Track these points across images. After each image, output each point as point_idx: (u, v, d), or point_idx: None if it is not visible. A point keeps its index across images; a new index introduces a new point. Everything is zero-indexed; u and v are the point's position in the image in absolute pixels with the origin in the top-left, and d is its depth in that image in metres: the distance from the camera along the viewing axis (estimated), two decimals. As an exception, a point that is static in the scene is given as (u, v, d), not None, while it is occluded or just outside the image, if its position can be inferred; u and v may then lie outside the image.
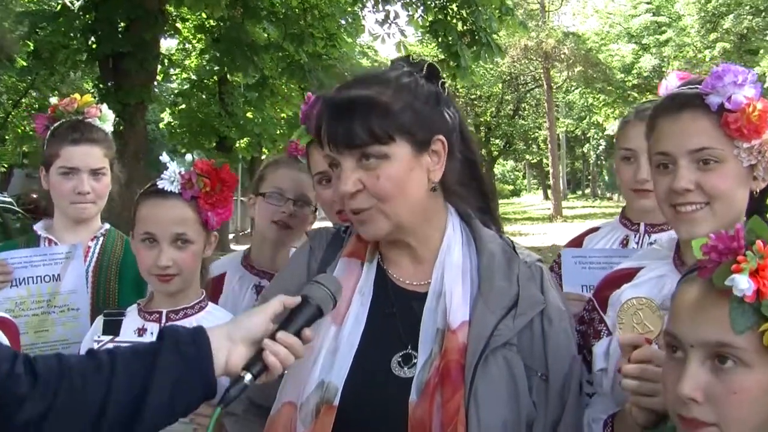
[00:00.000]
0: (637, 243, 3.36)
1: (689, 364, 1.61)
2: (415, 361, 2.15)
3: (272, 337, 2.00)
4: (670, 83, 2.72)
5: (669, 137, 2.26)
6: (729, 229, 1.65)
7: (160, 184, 2.85)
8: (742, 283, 1.56)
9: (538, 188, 73.54)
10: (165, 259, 2.80)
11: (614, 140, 3.60)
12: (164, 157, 2.92)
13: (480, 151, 2.50)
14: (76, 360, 1.85)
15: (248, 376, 1.95)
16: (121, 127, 14.61)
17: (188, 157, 2.93)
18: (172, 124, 25.08)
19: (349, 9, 17.66)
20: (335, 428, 2.06)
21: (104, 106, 3.64)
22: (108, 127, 3.62)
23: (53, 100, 3.67)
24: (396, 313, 2.25)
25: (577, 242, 3.61)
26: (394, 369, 2.17)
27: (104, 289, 3.49)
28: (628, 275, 2.46)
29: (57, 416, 1.75)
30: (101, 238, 3.59)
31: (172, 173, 2.84)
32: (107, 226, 3.64)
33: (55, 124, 3.54)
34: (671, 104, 2.29)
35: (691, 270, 1.76)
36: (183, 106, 24.08)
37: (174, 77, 26.78)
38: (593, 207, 48.78)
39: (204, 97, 23.55)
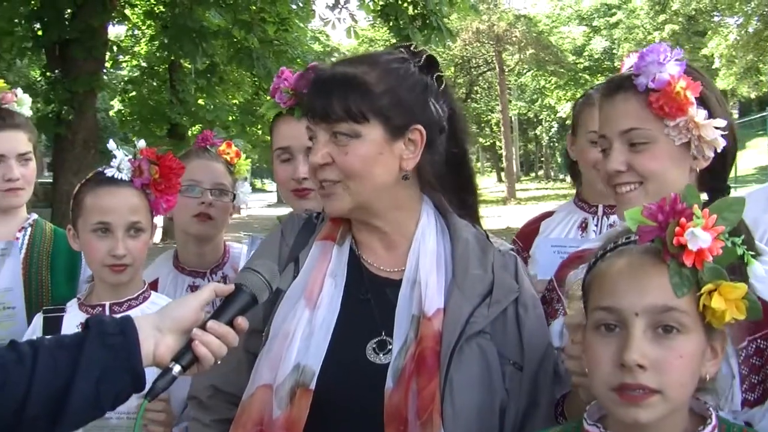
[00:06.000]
0: (596, 225, 3.39)
1: (634, 332, 1.65)
2: (390, 347, 2.16)
3: (203, 326, 1.94)
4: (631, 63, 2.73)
5: (604, 120, 2.30)
6: None
7: (109, 172, 2.82)
8: (702, 235, 1.62)
9: (491, 171, 73.78)
10: (122, 248, 2.78)
11: (571, 121, 3.62)
12: (111, 145, 2.88)
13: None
14: None
15: (177, 368, 1.88)
16: (71, 116, 14.43)
17: (141, 143, 2.90)
18: (123, 111, 24.76)
19: (300, -8, 17.59)
20: (311, 412, 2.07)
21: (19, 90, 3.51)
22: (26, 111, 3.51)
23: None
24: (370, 299, 2.25)
25: (532, 228, 3.61)
26: (369, 355, 2.18)
27: (36, 282, 3.39)
28: (589, 256, 2.47)
29: None
30: (29, 229, 3.48)
31: (121, 161, 2.81)
32: (35, 216, 3.55)
33: None
34: (607, 87, 2.32)
35: (607, 249, 1.80)
36: (133, 93, 23.78)
37: (124, 64, 26.40)
38: (546, 189, 49.11)
39: (155, 84, 23.26)
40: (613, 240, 1.81)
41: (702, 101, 2.18)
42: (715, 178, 2.27)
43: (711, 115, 2.18)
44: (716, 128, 2.16)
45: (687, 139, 2.18)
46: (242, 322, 1.99)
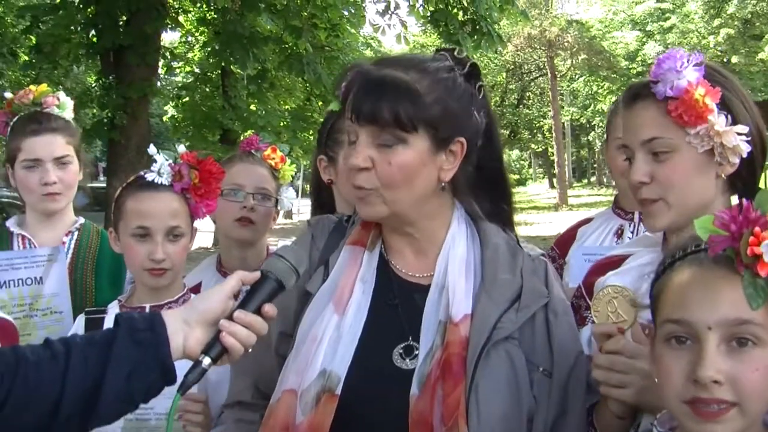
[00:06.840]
0: (632, 232, 3.34)
1: (707, 346, 1.59)
2: (417, 352, 2.14)
3: (230, 317, 1.94)
4: None
5: (626, 129, 2.25)
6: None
7: (150, 176, 2.85)
8: None
9: (543, 177, 73.36)
10: (161, 252, 2.80)
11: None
12: (151, 149, 2.91)
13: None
14: (31, 351, 1.81)
15: (207, 360, 1.89)
16: (124, 122, 14.65)
17: (181, 147, 2.92)
18: (176, 117, 25.02)
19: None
20: (336, 418, 2.05)
21: (62, 94, 3.55)
22: (68, 114, 3.54)
23: (8, 95, 3.58)
24: (398, 304, 2.23)
25: (569, 235, 3.58)
26: (395, 360, 2.16)
27: (81, 286, 3.43)
28: (617, 262, 2.41)
29: (13, 409, 1.73)
30: (76, 233, 3.52)
31: (161, 165, 2.84)
32: (82, 220, 3.58)
33: (14, 119, 3.47)
34: (627, 96, 2.26)
35: (676, 257, 1.74)
36: (186, 99, 24.02)
37: (178, 70, 26.68)
38: (599, 195, 48.58)
39: (207, 89, 23.46)
40: (681, 247, 1.74)
41: (724, 106, 2.11)
42: (743, 183, 2.21)
43: (734, 120, 2.11)
44: (739, 134, 2.10)
45: (710, 146, 2.11)
46: (270, 309, 1.98)
